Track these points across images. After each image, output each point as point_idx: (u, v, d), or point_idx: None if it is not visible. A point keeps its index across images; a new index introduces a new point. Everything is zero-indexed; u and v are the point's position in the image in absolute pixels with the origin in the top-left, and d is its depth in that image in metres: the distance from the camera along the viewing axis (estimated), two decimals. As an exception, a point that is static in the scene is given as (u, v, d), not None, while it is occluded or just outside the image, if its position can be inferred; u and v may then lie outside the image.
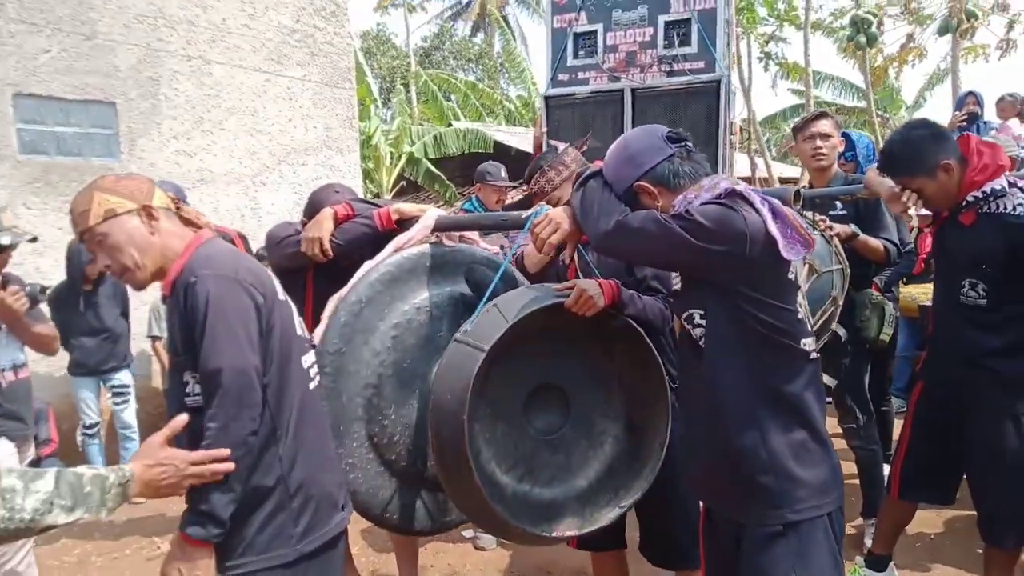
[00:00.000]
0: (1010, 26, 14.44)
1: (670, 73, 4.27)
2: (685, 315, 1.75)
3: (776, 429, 1.65)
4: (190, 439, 1.59)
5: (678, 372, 2.05)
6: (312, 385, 1.78)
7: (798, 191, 1.81)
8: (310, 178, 6.61)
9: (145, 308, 5.07)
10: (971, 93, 6.68)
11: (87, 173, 5.22)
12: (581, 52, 4.48)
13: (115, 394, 4.75)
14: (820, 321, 2.70)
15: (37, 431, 3.08)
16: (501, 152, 11.31)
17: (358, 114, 7.77)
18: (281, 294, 1.74)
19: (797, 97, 17.98)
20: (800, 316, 1.70)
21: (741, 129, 5.05)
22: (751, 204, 1.63)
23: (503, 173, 4.51)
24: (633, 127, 4.17)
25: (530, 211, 2.11)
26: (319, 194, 2.75)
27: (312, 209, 2.66)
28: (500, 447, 2.05)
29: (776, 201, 1.67)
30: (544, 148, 4.60)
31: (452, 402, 1.86)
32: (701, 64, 4.21)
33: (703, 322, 1.70)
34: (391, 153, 13.05)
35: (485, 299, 2.02)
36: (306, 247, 2.49)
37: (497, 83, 24.39)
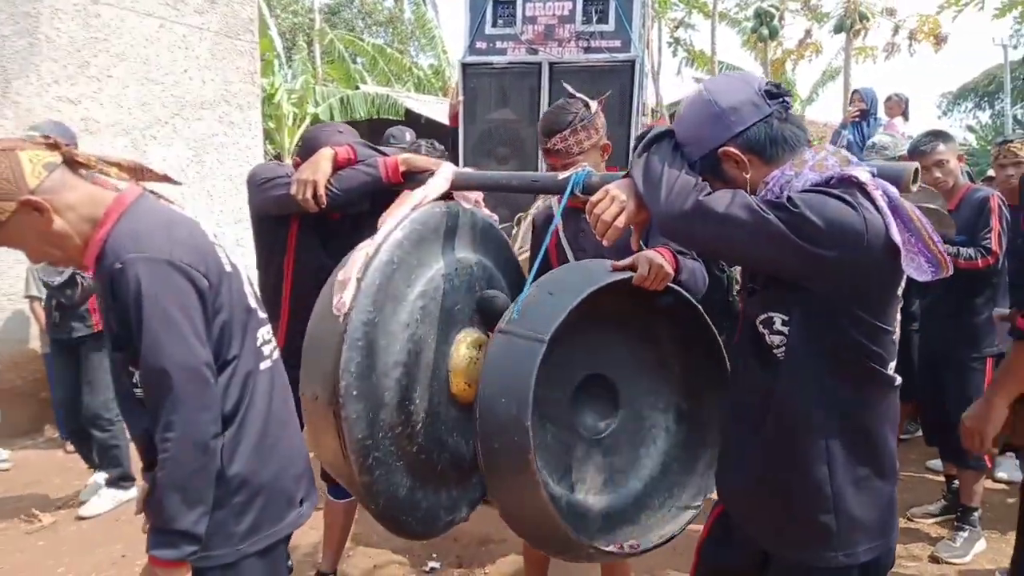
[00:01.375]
0: (895, 30, 15.42)
1: (587, 49, 4.29)
2: (763, 317, 1.43)
3: (845, 464, 1.39)
4: (137, 430, 1.46)
5: (732, 374, 1.73)
6: (264, 365, 1.58)
7: (917, 169, 1.42)
8: (206, 134, 6.25)
9: (21, 266, 4.66)
10: (856, 91, 7.15)
11: (-49, 114, 4.73)
12: (500, 21, 4.41)
13: None
14: None
15: None
16: (412, 120, 11.07)
17: (260, 69, 7.39)
18: (228, 263, 1.52)
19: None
20: (895, 337, 1.42)
21: (652, 110, 5.15)
22: (871, 199, 1.30)
23: (408, 137, 4.39)
24: (550, 102, 4.18)
25: (568, 172, 1.78)
26: (317, 132, 2.41)
27: (308, 148, 2.31)
28: (551, 453, 1.81)
29: (896, 193, 1.34)
30: (460, 118, 4.53)
31: (510, 406, 1.57)
32: (617, 43, 4.24)
33: (784, 329, 1.39)
34: (294, 114, 12.53)
35: (531, 279, 1.74)
36: (297, 190, 2.15)
37: (407, 50, 23.82)
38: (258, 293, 1.66)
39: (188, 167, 6.10)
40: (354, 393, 1.75)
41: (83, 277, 3.81)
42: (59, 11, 5.24)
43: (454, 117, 4.50)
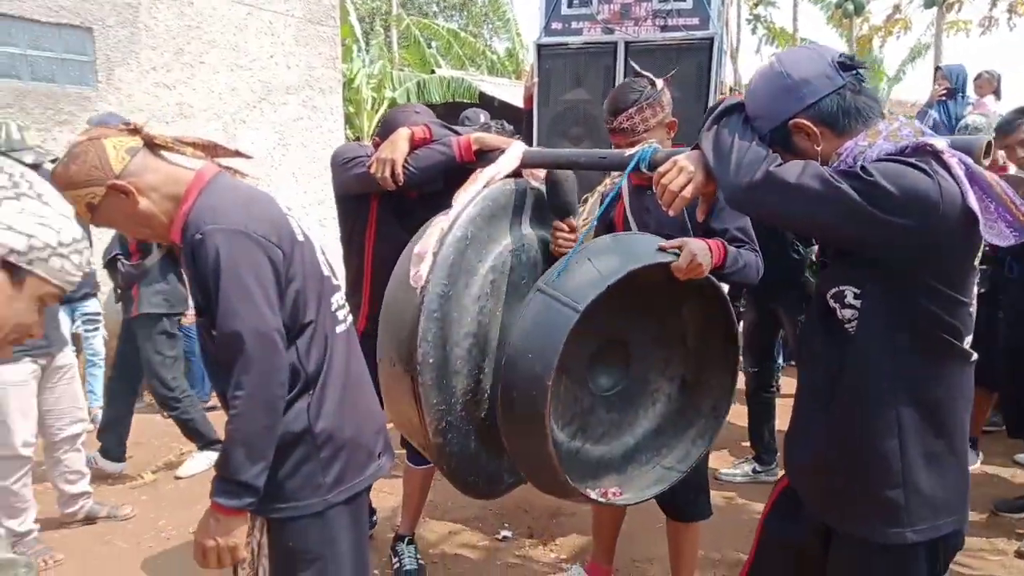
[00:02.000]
0: (993, 3, 14.50)
1: (664, 28, 4.24)
2: (834, 291, 1.42)
3: (916, 439, 1.38)
4: (221, 389, 1.56)
5: (802, 348, 1.75)
6: (340, 328, 1.67)
7: (990, 142, 1.38)
8: (291, 118, 6.49)
9: (110, 234, 4.99)
10: (939, 68, 6.82)
11: (62, 100, 5.08)
12: (576, 1, 4.42)
13: (85, 321, 4.73)
14: None
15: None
16: (486, 103, 11.15)
17: (341, 55, 7.60)
18: (300, 233, 1.60)
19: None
20: (972, 310, 1.39)
21: (731, 89, 5.06)
22: (947, 167, 1.27)
23: (482, 118, 4.46)
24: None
25: (635, 149, 1.82)
26: (396, 113, 2.54)
27: (387, 129, 2.42)
28: (561, 403, 1.92)
29: (969, 160, 1.31)
30: (535, 100, 4.57)
31: (535, 363, 1.68)
32: (695, 20, 4.18)
33: (856, 303, 1.38)
34: (373, 98, 12.80)
35: (577, 247, 1.83)
36: (376, 168, 2.26)
37: (480, 33, 23.91)
38: (331, 262, 1.75)
39: (274, 150, 6.37)
40: (430, 361, 1.86)
41: (123, 263, 3.90)
42: (156, 1, 5.54)
43: (528, 99, 4.53)
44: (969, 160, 1.30)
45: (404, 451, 2.86)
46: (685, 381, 2.10)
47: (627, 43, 4.29)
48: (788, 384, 4.17)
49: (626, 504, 1.98)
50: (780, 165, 1.35)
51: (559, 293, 1.71)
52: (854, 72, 1.38)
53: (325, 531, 1.59)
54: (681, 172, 1.51)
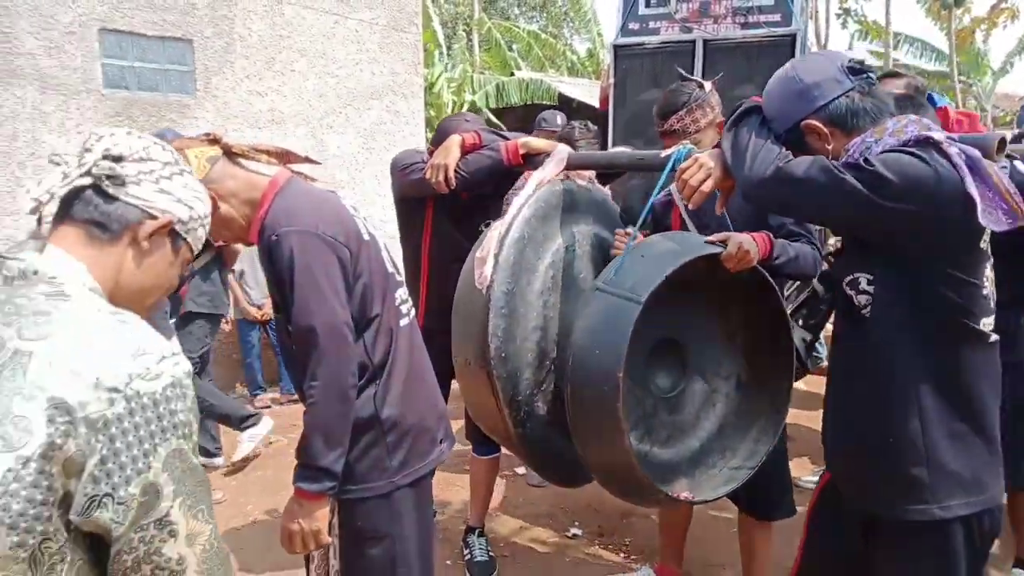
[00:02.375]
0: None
1: (744, 25, 4.17)
2: (849, 279, 1.51)
3: (939, 419, 1.44)
4: (299, 381, 1.63)
5: (833, 336, 1.81)
6: (404, 322, 1.76)
7: (1003, 139, 1.47)
8: (375, 122, 6.70)
9: (216, 241, 5.31)
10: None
11: (164, 108, 5.41)
12: (653, 1, 4.40)
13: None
14: None
15: None
16: (564, 104, 11.19)
17: (423, 60, 7.79)
18: (366, 233, 1.71)
19: (876, 59, 17.18)
20: (986, 292, 1.45)
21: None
22: (946, 156, 1.37)
23: (559, 120, 4.51)
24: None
25: (671, 150, 1.91)
26: (448, 122, 2.71)
27: (440, 136, 2.60)
28: (625, 406, 1.94)
29: (975, 152, 1.39)
30: (611, 100, 4.57)
31: (603, 358, 1.73)
32: (777, 17, 4.10)
33: (870, 289, 1.47)
34: (453, 101, 13.03)
35: (628, 248, 1.91)
36: (430, 174, 2.44)
37: (561, 33, 23.93)
38: (395, 259, 1.84)
39: (359, 154, 6.59)
40: (503, 355, 1.95)
41: None
42: (250, 12, 5.84)
43: (604, 100, 4.55)
44: (971, 151, 1.38)
45: (469, 445, 2.94)
46: (741, 381, 2.13)
47: (705, 41, 4.25)
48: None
49: (691, 496, 2.00)
50: (790, 161, 1.46)
51: (617, 289, 1.79)
52: (863, 76, 1.48)
53: (392, 511, 1.68)
54: (701, 168, 1.67)
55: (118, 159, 1.02)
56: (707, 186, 1.65)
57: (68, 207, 1.00)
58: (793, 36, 4.03)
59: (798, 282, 2.30)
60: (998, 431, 1.50)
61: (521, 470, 3.92)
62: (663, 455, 2.05)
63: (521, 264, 2.00)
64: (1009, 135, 1.62)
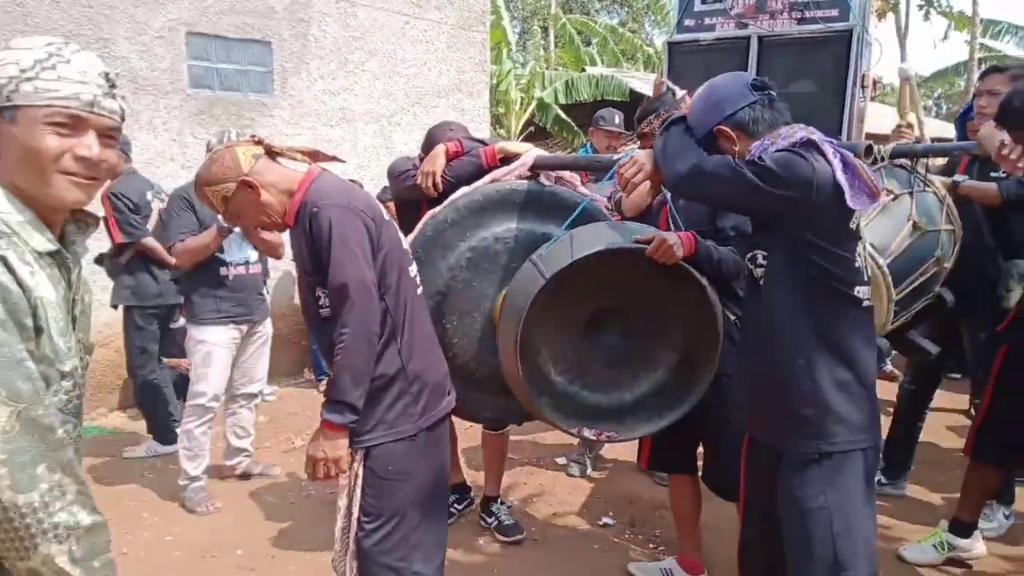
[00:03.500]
0: None
1: (800, 20, 4.11)
2: (749, 255, 1.89)
3: (823, 367, 1.76)
4: (323, 341, 1.95)
5: (741, 308, 2.21)
6: (419, 291, 2.07)
7: (869, 146, 1.93)
8: (441, 120, 6.89)
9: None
10: None
11: (244, 107, 5.76)
12: (709, -2, 4.38)
13: None
14: (919, 281, 2.64)
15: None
16: (637, 100, 11.13)
17: (491, 58, 7.95)
18: (386, 216, 2.00)
19: (980, 50, 16.22)
20: (857, 265, 1.82)
21: (875, 82, 4.78)
22: (823, 154, 1.73)
23: (617, 120, 4.56)
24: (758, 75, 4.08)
25: (619, 154, 2.26)
26: (435, 131, 3.01)
27: (429, 144, 2.92)
28: (557, 351, 2.45)
29: (847, 152, 1.77)
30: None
31: (514, 310, 2.25)
32: (834, 12, 4.01)
33: (764, 262, 1.83)
34: (521, 98, 13.15)
35: (566, 226, 2.28)
36: (420, 180, 2.79)
37: (641, 26, 23.69)
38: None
39: (424, 149, 6.81)
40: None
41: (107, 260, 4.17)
42: (325, 14, 6.13)
43: (657, 95, 4.56)
44: (847, 152, 1.75)
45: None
46: (686, 356, 2.44)
47: (760, 37, 4.21)
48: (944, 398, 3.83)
49: (615, 436, 2.46)
50: (703, 159, 1.82)
51: (539, 263, 2.24)
52: (765, 91, 1.83)
53: (417, 451, 1.96)
54: (635, 164, 2.04)
55: None
56: (638, 179, 2.03)
57: None
58: (850, 31, 3.94)
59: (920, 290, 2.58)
60: (874, 379, 1.85)
61: (561, 460, 4.02)
62: (594, 398, 2.49)
63: (436, 240, 2.52)
64: (876, 145, 2.08)
